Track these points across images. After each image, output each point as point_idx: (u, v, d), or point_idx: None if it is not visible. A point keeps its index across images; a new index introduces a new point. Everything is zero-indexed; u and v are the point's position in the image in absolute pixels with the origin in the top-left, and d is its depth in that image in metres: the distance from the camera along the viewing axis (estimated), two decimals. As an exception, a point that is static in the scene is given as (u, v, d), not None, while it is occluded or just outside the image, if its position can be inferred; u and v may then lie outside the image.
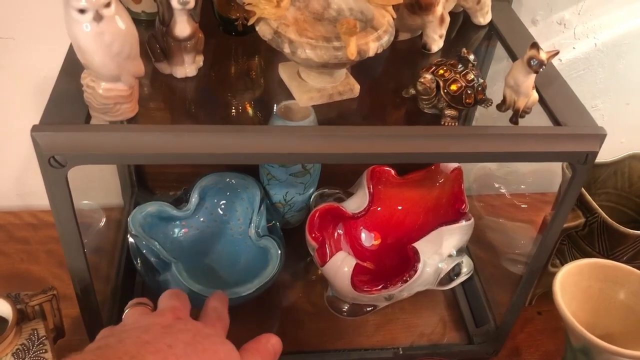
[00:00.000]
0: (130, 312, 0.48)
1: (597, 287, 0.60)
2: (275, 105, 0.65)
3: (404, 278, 0.69)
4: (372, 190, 0.79)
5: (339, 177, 0.83)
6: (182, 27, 0.53)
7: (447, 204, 0.80)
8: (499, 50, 0.70)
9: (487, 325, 0.75)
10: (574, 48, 0.87)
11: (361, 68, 0.61)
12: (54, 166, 0.47)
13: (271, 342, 0.47)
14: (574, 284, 0.60)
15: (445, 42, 0.66)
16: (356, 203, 0.80)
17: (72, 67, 0.50)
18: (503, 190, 0.93)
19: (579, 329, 0.54)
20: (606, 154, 0.80)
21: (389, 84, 0.63)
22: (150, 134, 0.47)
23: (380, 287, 0.69)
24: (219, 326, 0.48)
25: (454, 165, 0.81)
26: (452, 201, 0.79)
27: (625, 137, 0.97)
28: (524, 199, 0.92)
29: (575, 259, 0.74)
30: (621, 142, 0.97)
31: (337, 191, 0.83)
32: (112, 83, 0.48)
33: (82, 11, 0.43)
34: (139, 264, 0.71)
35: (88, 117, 0.50)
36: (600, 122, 0.95)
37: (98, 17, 0.43)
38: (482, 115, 0.83)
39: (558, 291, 0.57)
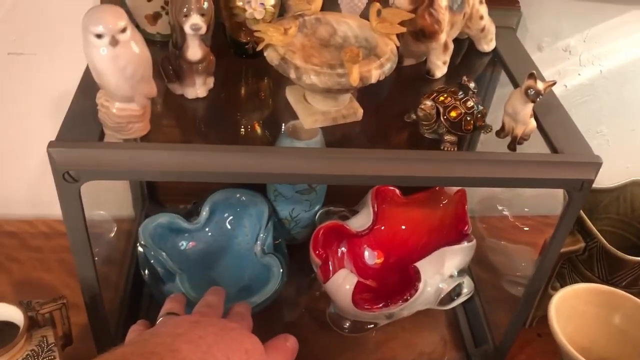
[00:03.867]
0: (162, 319, 0.53)
1: (594, 312, 0.61)
2: (283, 124, 0.67)
3: (405, 297, 0.70)
4: (376, 210, 0.81)
5: (344, 195, 0.84)
6: (194, 51, 0.56)
7: (450, 225, 0.82)
8: (503, 76, 0.72)
9: (486, 345, 0.76)
10: (579, 74, 0.88)
11: (366, 92, 0.63)
12: (67, 181, 0.49)
13: (289, 342, 0.52)
14: (570, 308, 0.61)
15: (449, 67, 0.68)
16: (360, 221, 0.81)
17: (88, 86, 0.53)
18: (506, 213, 0.94)
19: (573, 353, 0.55)
20: (612, 179, 0.82)
21: (392, 108, 0.64)
22: (160, 152, 0.50)
23: (381, 305, 0.70)
24: (243, 324, 0.53)
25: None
26: (455, 222, 0.81)
27: (631, 162, 0.98)
28: (526, 222, 0.93)
29: (575, 283, 0.75)
30: (627, 168, 0.97)
31: (342, 209, 0.84)
32: (126, 103, 0.50)
33: (99, 36, 0.45)
34: (147, 274, 0.73)
35: (102, 135, 0.52)
36: (606, 147, 0.98)
37: (114, 42, 0.46)
38: (487, 139, 0.85)
39: (553, 315, 0.58)
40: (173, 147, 0.51)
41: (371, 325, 0.75)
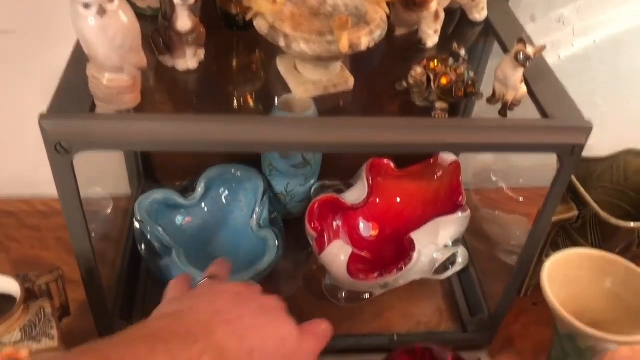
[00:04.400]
0: (204, 282, 0.51)
1: (586, 277, 0.62)
2: (276, 98, 0.67)
3: (399, 266, 0.71)
4: (371, 182, 0.81)
5: (339, 169, 0.85)
6: (184, 22, 0.56)
7: (445, 197, 0.82)
8: (496, 46, 0.72)
9: (481, 314, 0.77)
10: (572, 45, 0.88)
11: (359, 61, 0.63)
12: (59, 152, 0.49)
13: (323, 326, 0.50)
14: (563, 274, 0.61)
15: (441, 37, 0.68)
16: (355, 194, 0.82)
17: (79, 59, 0.53)
18: (501, 185, 0.94)
19: (564, 314, 0.56)
20: (607, 150, 0.82)
21: (384, 77, 0.65)
22: (151, 122, 0.50)
23: (376, 275, 0.71)
24: (282, 303, 0.50)
25: (452, 158, 0.82)
26: (450, 194, 0.81)
27: (626, 132, 0.97)
28: (522, 193, 0.93)
29: (569, 251, 0.75)
30: (622, 138, 0.97)
31: (337, 183, 0.85)
32: (116, 74, 0.50)
33: (86, 6, 0.45)
34: (143, 249, 0.74)
35: (93, 107, 0.52)
36: (600, 118, 0.97)
37: (102, 12, 0.46)
38: (483, 108, 0.85)
39: (546, 281, 0.59)
40: (164, 117, 0.51)
41: (367, 295, 0.76)
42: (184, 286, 0.51)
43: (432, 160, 0.84)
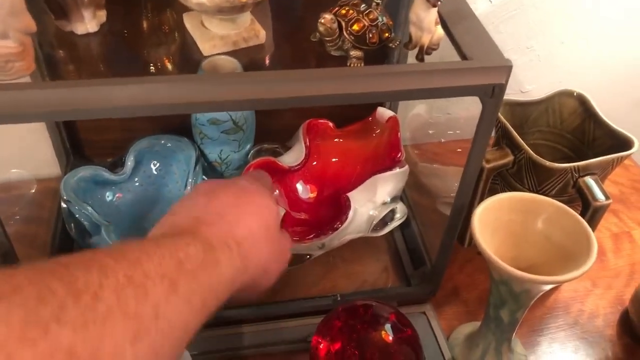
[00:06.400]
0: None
1: (519, 220, 0.61)
2: (201, 61, 0.64)
3: (335, 226, 0.70)
4: (308, 144, 0.79)
5: (274, 133, 0.82)
6: (75, -19, 0.52)
7: (384, 154, 0.81)
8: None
9: (423, 267, 0.76)
10: (503, -12, 0.86)
11: (274, 15, 0.61)
12: (-54, 129, 0.46)
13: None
14: (495, 219, 0.60)
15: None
16: (293, 157, 0.80)
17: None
18: (440, 138, 0.93)
19: (494, 259, 0.55)
20: (545, 94, 0.81)
21: (300, 29, 0.62)
22: (42, 91, 0.46)
23: (311, 236, 0.70)
24: (260, 182, 0.51)
25: (390, 114, 0.81)
26: (389, 150, 0.80)
27: (563, 76, 0.97)
28: (460, 144, 0.92)
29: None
30: (559, 82, 0.97)
31: (276, 146, 0.82)
32: (0, 40, 0.47)
33: (-48, -36, 0.42)
34: (73, 229, 0.71)
35: (-17, 78, 0.49)
36: (537, 63, 0.97)
37: (-30, -30, 0.42)
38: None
39: (476, 225, 0.58)
40: (55, 84, 0.48)
41: (308, 256, 0.74)
42: None
43: (370, 118, 0.82)
